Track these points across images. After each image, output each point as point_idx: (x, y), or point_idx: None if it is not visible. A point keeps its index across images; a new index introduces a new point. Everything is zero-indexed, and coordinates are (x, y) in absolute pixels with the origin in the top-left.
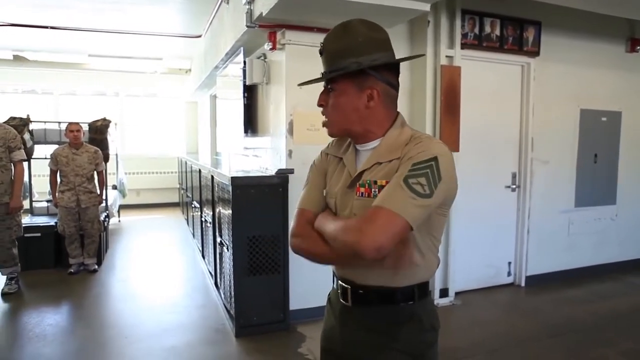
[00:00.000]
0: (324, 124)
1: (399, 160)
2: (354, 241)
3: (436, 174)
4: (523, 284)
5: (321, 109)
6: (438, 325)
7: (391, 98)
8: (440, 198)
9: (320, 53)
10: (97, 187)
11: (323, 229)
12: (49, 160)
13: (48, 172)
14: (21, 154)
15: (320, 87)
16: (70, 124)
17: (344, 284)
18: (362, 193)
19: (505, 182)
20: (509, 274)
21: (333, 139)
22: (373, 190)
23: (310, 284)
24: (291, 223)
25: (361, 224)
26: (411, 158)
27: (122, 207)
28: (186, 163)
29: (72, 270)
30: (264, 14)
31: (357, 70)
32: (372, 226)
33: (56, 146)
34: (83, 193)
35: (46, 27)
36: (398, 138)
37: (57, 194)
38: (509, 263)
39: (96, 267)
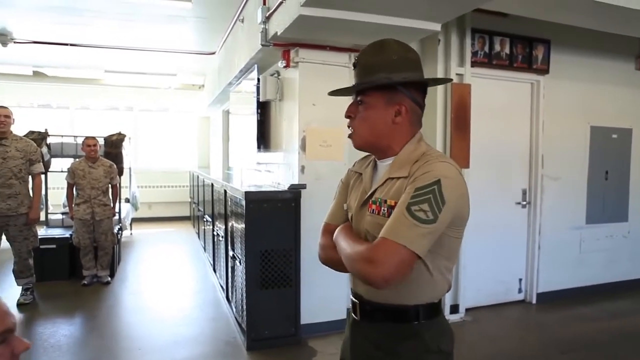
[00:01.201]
0: (350, 136)
1: (407, 179)
2: (364, 272)
3: (439, 198)
4: (534, 301)
5: (333, 122)
6: (447, 348)
7: (417, 116)
8: (446, 221)
9: (354, 66)
10: (112, 200)
11: (338, 244)
12: (65, 173)
13: (64, 184)
14: (40, 167)
15: (334, 104)
16: (87, 138)
17: (353, 298)
18: (373, 210)
19: (515, 198)
20: (519, 290)
21: (358, 159)
22: (382, 208)
23: (322, 298)
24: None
25: (370, 254)
26: (415, 180)
27: (134, 220)
28: (198, 177)
29: (85, 282)
30: (278, 33)
31: (388, 85)
32: (379, 258)
33: (72, 160)
34: (98, 206)
35: (66, 44)
36: (411, 154)
37: (73, 206)
38: (520, 280)
39: (109, 279)
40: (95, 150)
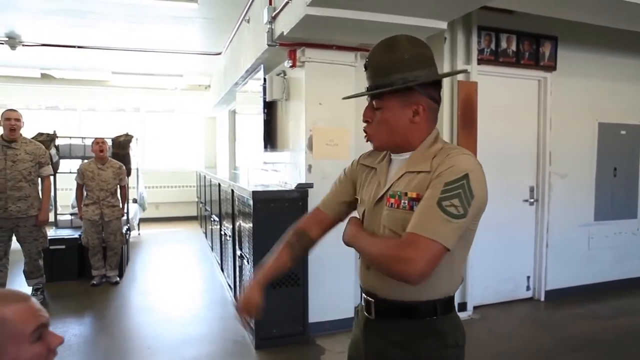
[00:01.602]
0: (368, 139)
1: (429, 174)
2: (399, 271)
3: (468, 193)
4: (542, 299)
5: (339, 121)
6: (463, 341)
7: (434, 112)
8: (473, 215)
9: (365, 67)
10: (120, 201)
11: (359, 245)
12: (74, 174)
13: (72, 185)
14: (49, 169)
15: (340, 103)
16: (96, 139)
17: (367, 297)
18: (391, 204)
19: (523, 195)
20: (528, 288)
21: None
22: (402, 201)
23: (329, 297)
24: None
25: (402, 252)
26: (441, 175)
27: (141, 220)
28: (205, 177)
29: (94, 282)
30: (284, 33)
31: (403, 86)
32: (413, 256)
33: (80, 161)
34: (107, 207)
35: (73, 47)
36: (428, 149)
37: (82, 207)
38: (528, 277)
39: (118, 279)
40: (104, 148)
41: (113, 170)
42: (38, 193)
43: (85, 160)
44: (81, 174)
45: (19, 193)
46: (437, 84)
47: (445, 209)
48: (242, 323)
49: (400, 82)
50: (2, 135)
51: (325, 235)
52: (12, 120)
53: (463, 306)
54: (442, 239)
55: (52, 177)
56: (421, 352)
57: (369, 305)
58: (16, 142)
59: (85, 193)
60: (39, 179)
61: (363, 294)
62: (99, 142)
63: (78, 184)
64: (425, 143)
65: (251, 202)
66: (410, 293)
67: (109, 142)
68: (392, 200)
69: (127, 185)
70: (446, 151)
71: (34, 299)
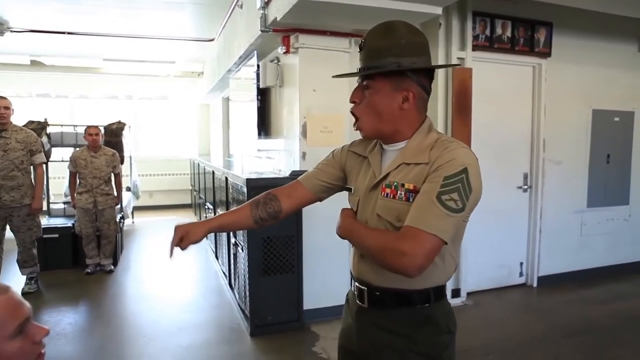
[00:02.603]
0: (356, 127)
1: (427, 165)
2: (399, 264)
3: (467, 187)
4: (535, 284)
5: (333, 108)
6: (454, 327)
7: (424, 102)
8: (471, 208)
9: (360, 48)
10: (115, 189)
11: (356, 238)
12: (66, 162)
13: (64, 174)
14: (42, 157)
15: (334, 90)
16: (89, 127)
17: (360, 286)
18: (387, 194)
19: (517, 182)
20: (521, 274)
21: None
22: (399, 192)
23: (324, 284)
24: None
25: (402, 246)
26: (440, 168)
27: (135, 208)
28: (199, 165)
29: (89, 271)
30: (278, 19)
31: (396, 71)
32: (411, 249)
33: (72, 149)
34: (100, 195)
35: (63, 33)
36: (424, 140)
37: (75, 195)
38: (521, 263)
39: (112, 267)
40: (97, 139)
41: (106, 158)
42: (31, 181)
43: (78, 148)
44: (74, 162)
45: (12, 182)
46: (430, 74)
47: (445, 203)
48: (170, 245)
49: (394, 66)
50: None
51: (296, 211)
52: (1, 108)
53: (457, 292)
54: (440, 232)
55: (44, 165)
56: (416, 339)
57: (361, 293)
58: (6, 131)
59: (78, 181)
60: (32, 167)
61: (355, 283)
62: (92, 133)
63: (71, 172)
64: (420, 132)
65: (245, 190)
66: (404, 282)
67: (102, 130)
68: (388, 191)
69: (121, 173)
70: (443, 144)
71: (13, 290)
